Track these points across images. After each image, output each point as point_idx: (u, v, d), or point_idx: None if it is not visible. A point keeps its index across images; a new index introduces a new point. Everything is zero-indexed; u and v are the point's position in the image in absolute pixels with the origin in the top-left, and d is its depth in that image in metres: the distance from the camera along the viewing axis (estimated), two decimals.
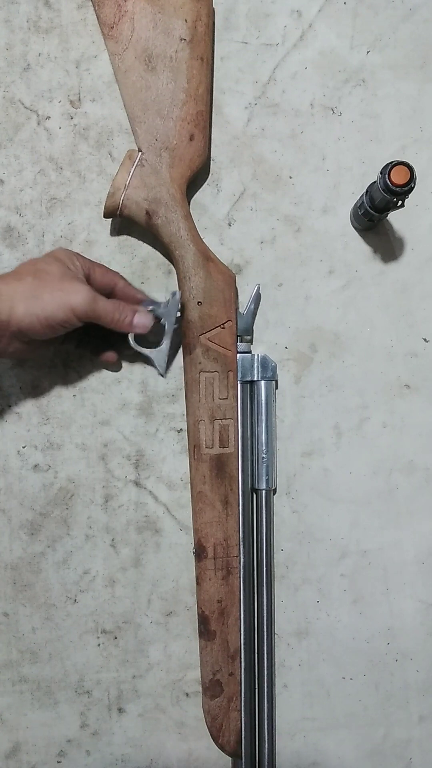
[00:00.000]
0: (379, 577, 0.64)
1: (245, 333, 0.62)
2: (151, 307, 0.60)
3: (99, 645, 0.63)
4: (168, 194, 0.59)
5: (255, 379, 0.61)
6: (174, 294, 0.59)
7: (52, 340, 0.56)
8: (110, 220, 0.63)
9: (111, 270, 0.60)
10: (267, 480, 0.62)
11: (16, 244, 0.63)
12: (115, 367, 0.63)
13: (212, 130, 0.63)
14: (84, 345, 0.61)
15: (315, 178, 0.64)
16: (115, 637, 0.63)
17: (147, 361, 0.63)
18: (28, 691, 0.63)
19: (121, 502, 0.63)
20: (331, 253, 0.65)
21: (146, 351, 0.61)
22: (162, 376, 0.63)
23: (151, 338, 0.61)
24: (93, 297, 0.55)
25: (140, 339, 0.61)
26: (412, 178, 0.55)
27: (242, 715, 0.60)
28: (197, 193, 0.64)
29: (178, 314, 0.60)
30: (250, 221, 0.64)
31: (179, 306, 0.60)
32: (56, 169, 0.63)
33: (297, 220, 0.64)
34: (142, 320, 0.58)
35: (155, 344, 0.61)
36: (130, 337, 0.60)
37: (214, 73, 0.63)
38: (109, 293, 0.59)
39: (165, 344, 0.61)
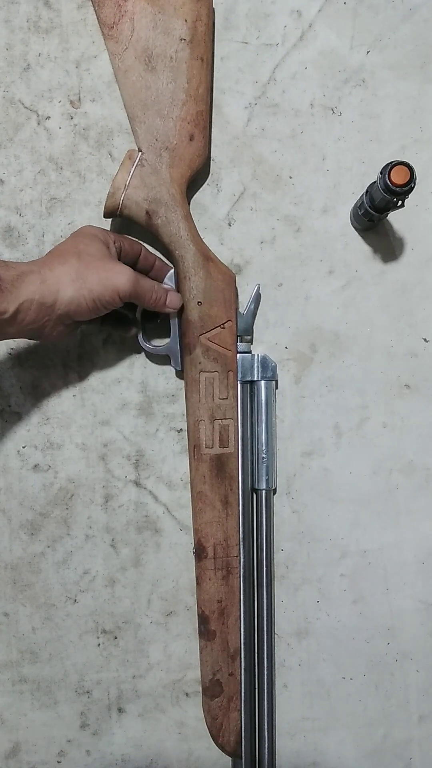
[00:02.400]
0: (379, 577, 0.64)
1: (245, 333, 0.62)
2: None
3: (99, 645, 0.63)
4: (168, 194, 0.59)
5: (255, 379, 0.61)
6: (168, 275, 0.60)
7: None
8: (110, 220, 0.63)
9: (135, 240, 0.61)
10: (267, 480, 0.62)
11: (16, 244, 0.63)
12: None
13: (212, 130, 0.63)
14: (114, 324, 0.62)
15: (315, 178, 0.64)
16: (115, 637, 0.63)
17: (153, 359, 0.63)
18: (28, 691, 0.63)
19: (121, 502, 0.63)
20: (331, 253, 0.65)
21: (157, 349, 0.62)
22: (178, 369, 0.61)
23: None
24: (135, 277, 0.56)
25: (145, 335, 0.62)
26: (412, 178, 0.55)
27: (242, 715, 0.60)
28: (197, 193, 0.64)
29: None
30: (250, 221, 0.64)
31: (175, 286, 0.61)
32: (56, 169, 0.63)
33: (297, 220, 0.64)
34: (174, 300, 0.59)
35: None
36: (140, 338, 0.61)
37: (214, 73, 0.63)
38: (135, 263, 0.60)
39: (173, 334, 0.61)
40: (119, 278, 0.55)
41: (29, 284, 0.51)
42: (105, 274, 0.54)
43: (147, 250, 0.61)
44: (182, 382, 0.62)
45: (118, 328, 0.62)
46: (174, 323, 0.60)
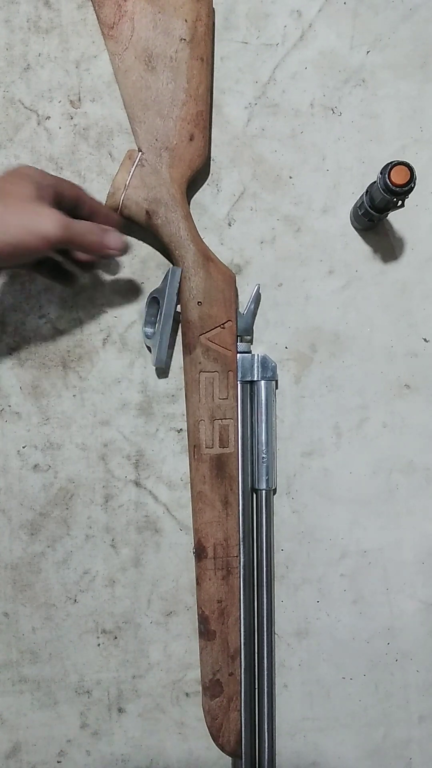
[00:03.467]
0: (379, 577, 0.64)
1: (245, 333, 0.62)
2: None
3: (99, 645, 0.63)
4: (168, 194, 0.59)
5: (255, 379, 0.61)
6: (171, 271, 0.59)
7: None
8: None
9: (74, 184, 0.57)
10: (267, 480, 0.62)
11: None
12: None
13: (212, 130, 0.63)
14: (54, 273, 0.59)
15: (315, 178, 0.64)
16: (115, 637, 0.63)
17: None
18: (28, 691, 0.63)
19: (121, 502, 0.63)
20: (331, 253, 0.65)
21: (148, 339, 0.61)
22: (153, 365, 0.62)
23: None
24: (66, 222, 0.51)
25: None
26: (412, 178, 0.55)
27: (242, 715, 0.60)
28: (197, 193, 0.64)
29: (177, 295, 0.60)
30: (250, 221, 0.64)
31: (178, 286, 0.59)
32: (56, 169, 0.63)
33: (297, 220, 0.64)
34: (115, 240, 0.55)
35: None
36: (141, 326, 0.61)
37: (214, 73, 0.63)
38: (74, 210, 0.55)
39: (159, 327, 0.60)
40: (45, 222, 0.50)
41: None
42: (28, 217, 0.49)
43: (88, 194, 0.57)
44: (182, 382, 0.62)
45: (57, 278, 0.59)
46: (161, 316, 0.60)
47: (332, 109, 0.64)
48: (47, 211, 0.51)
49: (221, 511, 0.60)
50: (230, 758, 0.62)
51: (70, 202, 0.55)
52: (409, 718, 0.65)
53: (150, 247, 0.63)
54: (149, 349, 0.62)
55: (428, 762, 0.65)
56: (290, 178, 0.64)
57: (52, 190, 0.53)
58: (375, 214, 0.60)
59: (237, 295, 0.61)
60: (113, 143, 0.63)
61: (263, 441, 0.61)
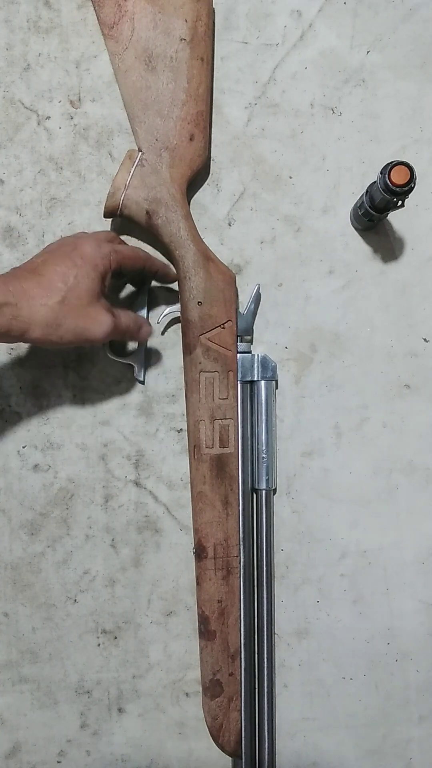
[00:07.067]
0: (379, 577, 0.64)
1: (245, 333, 0.62)
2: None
3: (99, 645, 0.63)
4: (168, 194, 0.59)
5: (255, 379, 0.61)
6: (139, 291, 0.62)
7: None
8: (110, 220, 0.63)
9: (136, 251, 0.60)
10: (267, 480, 0.62)
11: (16, 244, 0.63)
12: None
13: (212, 130, 0.63)
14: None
15: (315, 178, 0.64)
16: (115, 637, 0.63)
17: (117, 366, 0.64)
18: (28, 691, 0.63)
19: (121, 502, 0.63)
20: (331, 253, 0.65)
21: (123, 358, 0.63)
22: (140, 382, 0.63)
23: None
24: (112, 327, 0.55)
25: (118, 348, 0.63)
26: (412, 178, 0.55)
27: (242, 715, 0.60)
28: (197, 193, 0.64)
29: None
30: (250, 221, 0.64)
31: (146, 301, 0.62)
32: (56, 169, 0.63)
33: (297, 220, 0.64)
34: (145, 334, 0.60)
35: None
36: (106, 348, 0.62)
37: (214, 73, 0.63)
38: (139, 272, 0.60)
39: (138, 347, 0.63)
40: (96, 329, 0.54)
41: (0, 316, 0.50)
42: (83, 323, 0.53)
43: (150, 257, 0.60)
44: (182, 382, 0.62)
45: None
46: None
47: (332, 109, 0.64)
48: (101, 317, 0.54)
49: (221, 511, 0.60)
50: (230, 758, 0.62)
51: (131, 265, 0.58)
52: (409, 718, 0.65)
53: (150, 247, 0.63)
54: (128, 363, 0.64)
55: (428, 762, 0.65)
56: (290, 178, 0.64)
57: (110, 267, 0.55)
58: (375, 214, 0.60)
59: (237, 295, 0.61)
60: (113, 143, 0.63)
61: (263, 441, 0.61)
